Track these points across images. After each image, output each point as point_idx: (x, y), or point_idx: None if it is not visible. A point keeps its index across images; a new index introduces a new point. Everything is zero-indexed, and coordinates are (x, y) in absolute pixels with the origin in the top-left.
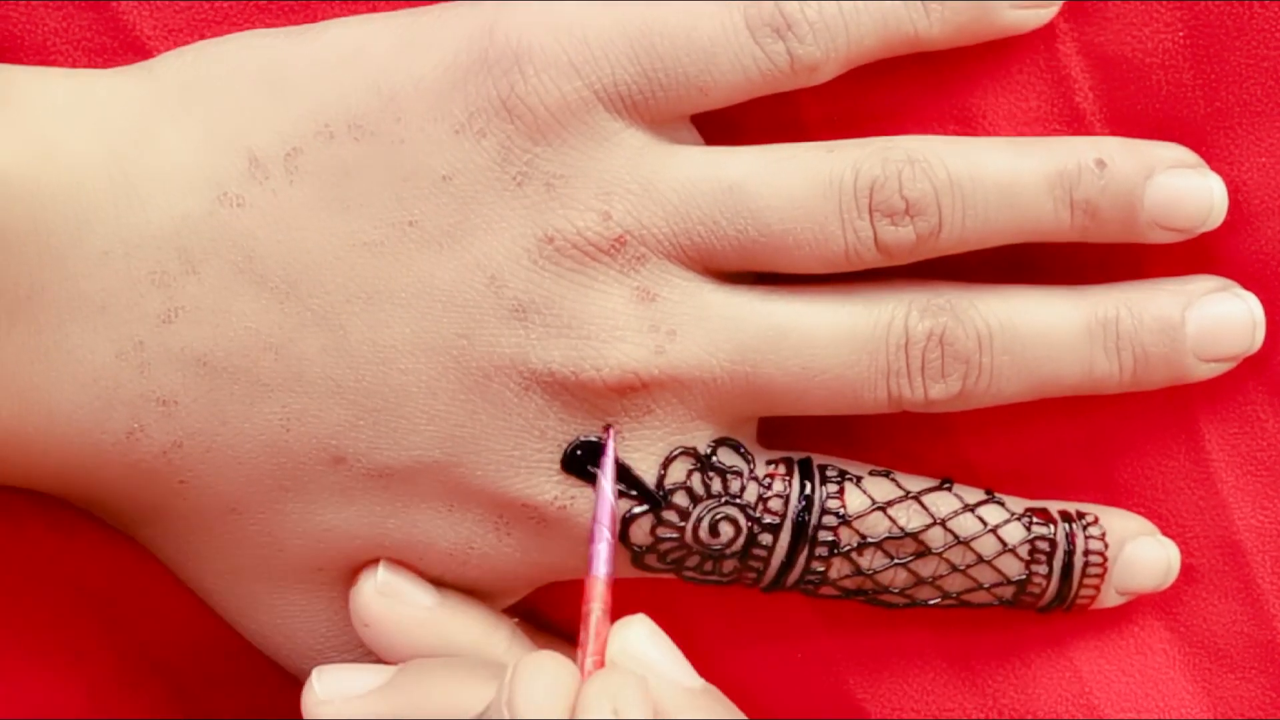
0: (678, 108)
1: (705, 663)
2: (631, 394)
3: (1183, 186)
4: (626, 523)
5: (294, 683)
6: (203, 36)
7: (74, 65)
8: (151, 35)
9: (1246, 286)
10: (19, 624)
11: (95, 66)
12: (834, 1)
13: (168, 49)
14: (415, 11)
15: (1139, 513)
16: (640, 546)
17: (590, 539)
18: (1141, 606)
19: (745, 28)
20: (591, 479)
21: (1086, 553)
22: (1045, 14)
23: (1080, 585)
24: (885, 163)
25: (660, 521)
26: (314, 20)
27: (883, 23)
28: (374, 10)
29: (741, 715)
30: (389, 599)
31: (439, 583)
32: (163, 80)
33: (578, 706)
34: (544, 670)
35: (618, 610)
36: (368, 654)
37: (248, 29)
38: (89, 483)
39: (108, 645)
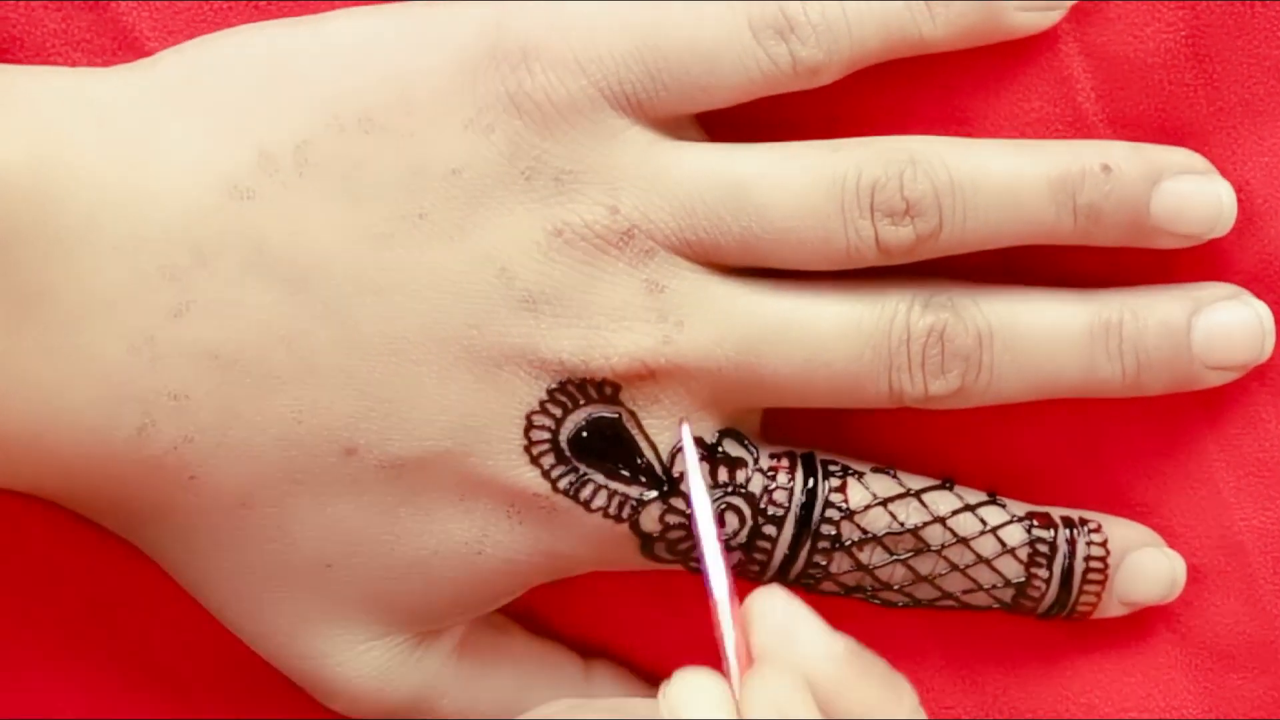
0: (682, 106)
1: (703, 663)
2: (639, 383)
3: (1190, 192)
4: (636, 510)
5: (293, 687)
6: (202, 35)
7: (74, 65)
8: (150, 36)
9: (1249, 288)
10: (20, 628)
11: (95, 66)
12: (837, 3)
13: (167, 48)
14: (426, 4)
15: (1140, 513)
16: (649, 534)
17: (697, 549)
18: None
19: (748, 29)
20: (598, 463)
21: (1087, 558)
22: (1053, 16)
23: (1080, 591)
24: (888, 163)
25: (669, 509)
26: None
27: (886, 25)
28: (370, 4)
29: (884, 664)
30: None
31: (456, 580)
32: (168, 75)
33: (742, 710)
34: (700, 693)
35: (613, 611)
36: (368, 650)
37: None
38: (98, 480)
39: (109, 650)
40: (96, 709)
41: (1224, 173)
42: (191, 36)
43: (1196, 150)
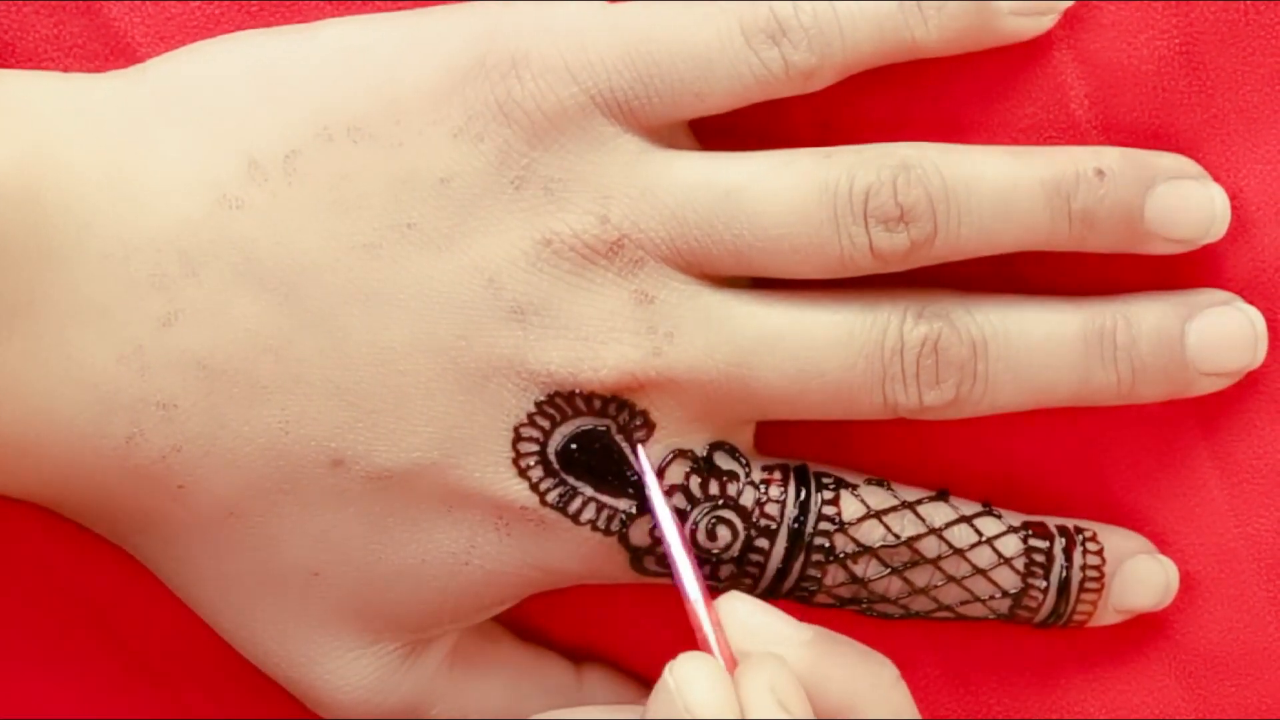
0: (674, 113)
1: None
2: (629, 395)
3: (1184, 197)
4: (625, 523)
5: (285, 693)
6: (194, 41)
7: (66, 70)
8: (143, 41)
9: (1244, 295)
10: (16, 633)
11: (87, 71)
12: (830, 7)
13: (159, 54)
14: (415, 12)
15: (1134, 521)
16: (639, 548)
17: (666, 554)
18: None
19: (741, 34)
20: (586, 476)
21: (1084, 568)
22: (1045, 21)
23: (1077, 601)
24: (881, 169)
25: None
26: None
27: (879, 29)
28: (361, 12)
29: (857, 644)
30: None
31: (444, 589)
32: (159, 83)
33: (744, 708)
34: (704, 672)
35: (604, 618)
36: (358, 659)
37: (233, 30)
38: (87, 489)
39: (104, 654)
40: (91, 710)
41: (1218, 180)
42: (184, 41)
43: (1190, 157)
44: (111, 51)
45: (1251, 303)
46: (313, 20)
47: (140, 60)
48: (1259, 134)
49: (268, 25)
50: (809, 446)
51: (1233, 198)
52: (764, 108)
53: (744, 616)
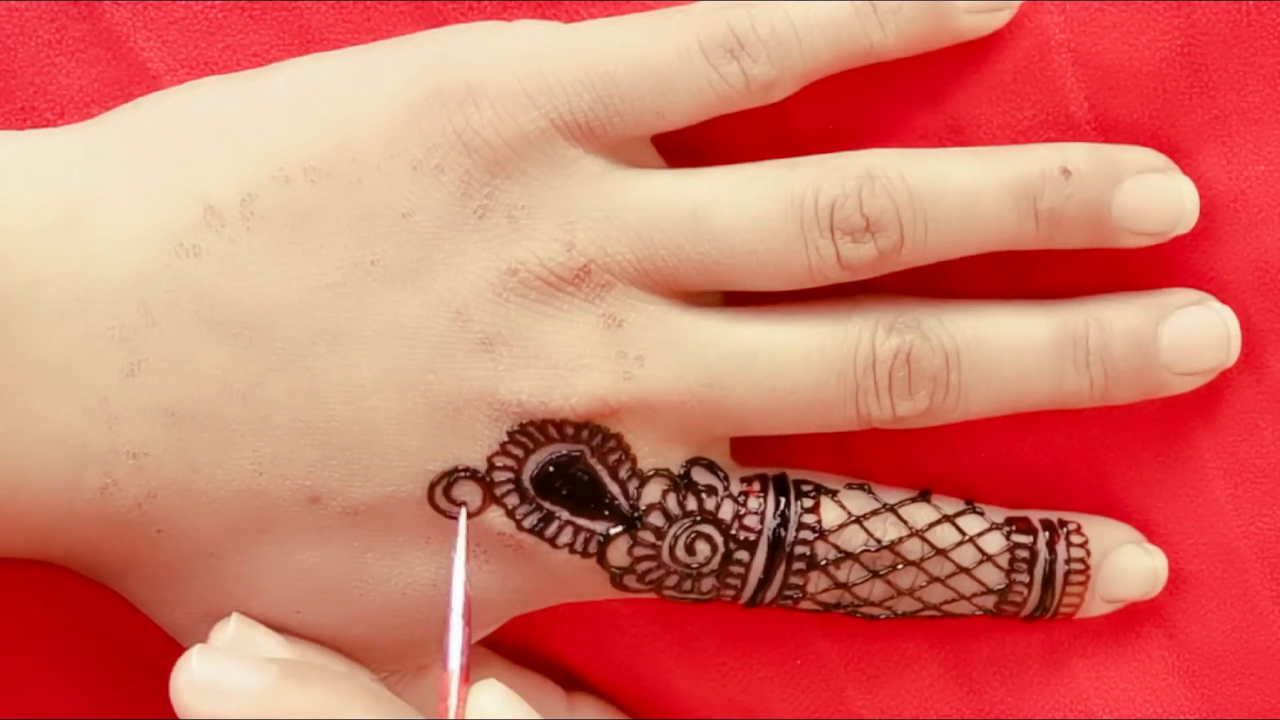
0: (635, 131)
1: (704, 670)
2: (602, 419)
3: (1152, 191)
4: (603, 545)
5: None
6: (195, 45)
7: (67, 75)
8: (145, 46)
9: (1248, 296)
10: (17, 633)
11: (87, 74)
12: (787, 19)
13: (161, 57)
14: (367, 46)
15: (1134, 519)
16: (618, 568)
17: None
18: (1138, 613)
19: (699, 50)
20: (563, 500)
21: (1068, 561)
22: (1001, 17)
23: (1062, 594)
24: (845, 180)
25: (636, 542)
26: (311, 28)
27: (836, 38)
28: (362, 15)
29: None
30: (211, 695)
31: (427, 620)
32: (112, 134)
33: None
34: None
35: (595, 641)
36: None
37: (235, 33)
38: (67, 540)
39: (104, 653)
40: (91, 710)
41: (1220, 181)
42: (186, 43)
43: (1191, 158)
44: (113, 55)
45: (1254, 304)
46: (314, 22)
47: (142, 64)
48: (1260, 135)
49: (269, 27)
50: (791, 448)
51: (1235, 199)
52: (765, 112)
53: (485, 705)
